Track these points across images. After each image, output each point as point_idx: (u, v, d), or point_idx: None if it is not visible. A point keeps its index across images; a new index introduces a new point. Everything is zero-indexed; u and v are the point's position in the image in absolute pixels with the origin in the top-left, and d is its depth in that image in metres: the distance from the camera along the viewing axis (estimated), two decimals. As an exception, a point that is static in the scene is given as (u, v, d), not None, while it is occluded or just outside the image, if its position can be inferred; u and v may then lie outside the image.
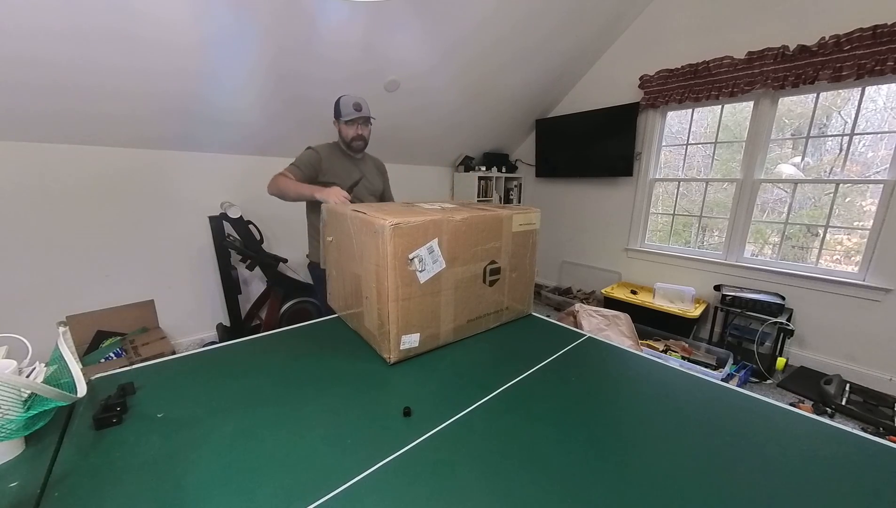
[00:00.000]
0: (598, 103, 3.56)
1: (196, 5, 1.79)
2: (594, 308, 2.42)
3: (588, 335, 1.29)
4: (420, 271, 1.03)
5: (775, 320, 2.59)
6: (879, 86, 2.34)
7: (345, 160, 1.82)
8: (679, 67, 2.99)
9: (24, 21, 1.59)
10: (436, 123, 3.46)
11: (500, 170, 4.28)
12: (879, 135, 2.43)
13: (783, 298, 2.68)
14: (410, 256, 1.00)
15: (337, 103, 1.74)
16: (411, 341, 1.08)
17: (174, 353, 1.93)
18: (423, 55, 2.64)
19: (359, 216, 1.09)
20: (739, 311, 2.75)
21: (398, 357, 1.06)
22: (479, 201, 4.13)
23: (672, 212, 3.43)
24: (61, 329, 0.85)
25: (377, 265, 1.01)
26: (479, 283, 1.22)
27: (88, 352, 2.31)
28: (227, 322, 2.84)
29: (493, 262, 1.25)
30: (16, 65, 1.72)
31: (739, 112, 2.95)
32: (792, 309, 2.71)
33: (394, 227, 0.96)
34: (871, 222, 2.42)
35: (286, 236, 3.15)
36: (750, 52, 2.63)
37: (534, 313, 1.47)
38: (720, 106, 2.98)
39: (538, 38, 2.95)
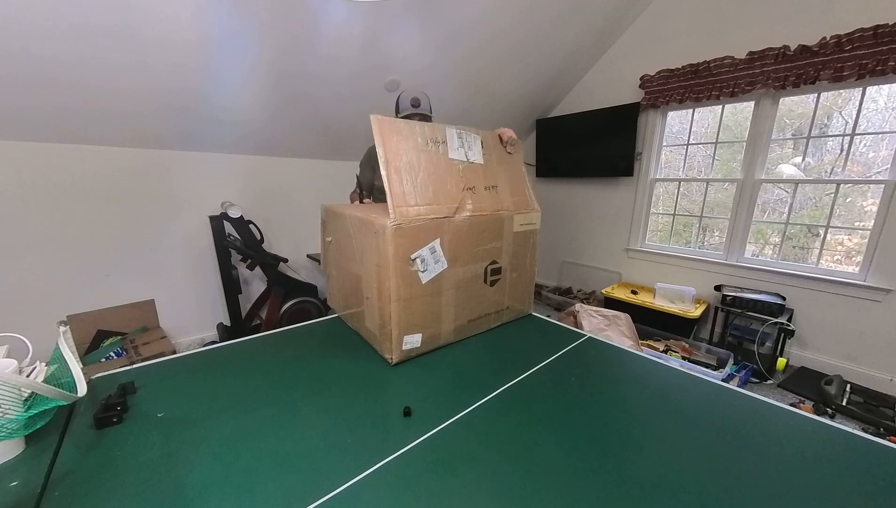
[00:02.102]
0: (598, 103, 3.56)
1: (196, 3, 1.79)
2: (594, 308, 2.42)
3: (588, 335, 1.29)
4: (422, 272, 1.03)
5: (776, 320, 2.58)
6: (881, 86, 2.34)
7: None
8: (680, 66, 2.99)
9: (24, 18, 1.58)
10: (436, 123, 3.45)
11: (500, 170, 4.27)
12: (880, 135, 2.43)
13: (784, 298, 2.68)
14: (412, 256, 1.00)
15: (397, 99, 1.71)
16: (413, 341, 1.07)
17: (174, 353, 1.93)
18: (423, 55, 2.64)
19: (358, 217, 1.09)
20: (740, 311, 2.75)
21: (400, 358, 1.06)
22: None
23: (673, 212, 3.43)
24: (62, 329, 0.86)
25: (378, 266, 1.01)
26: (480, 283, 1.22)
27: (89, 351, 2.31)
28: (227, 322, 2.84)
29: (493, 262, 1.25)
30: (16, 62, 1.72)
31: (740, 112, 2.94)
32: (792, 309, 2.71)
33: (395, 227, 0.95)
34: (872, 222, 2.42)
35: (286, 235, 3.15)
36: (751, 52, 2.63)
37: (534, 313, 1.47)
38: (721, 106, 2.98)
39: (538, 38, 2.95)
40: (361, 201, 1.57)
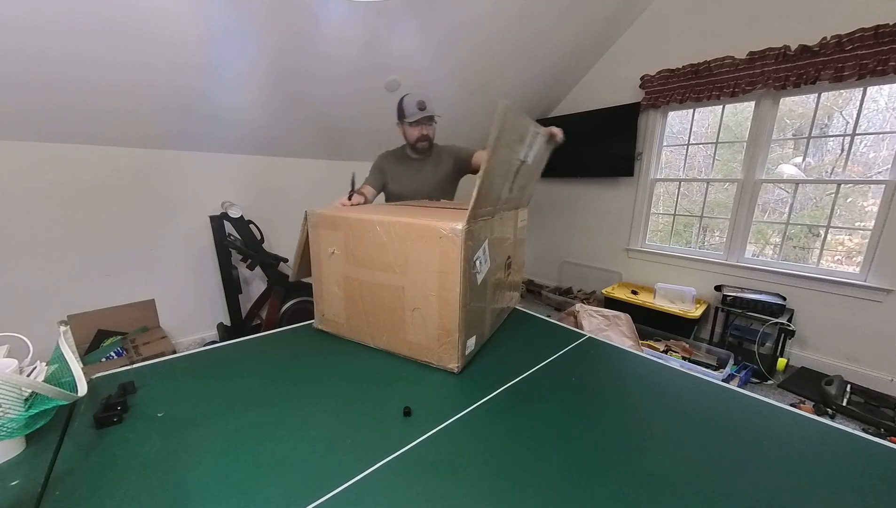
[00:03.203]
0: (598, 103, 3.56)
1: (195, 0, 1.78)
2: (595, 308, 2.42)
3: (588, 335, 1.29)
4: (479, 273, 1.02)
5: (776, 320, 2.58)
6: (881, 86, 2.33)
7: (405, 164, 1.78)
8: (680, 66, 2.99)
9: (22, 15, 1.57)
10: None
11: (500, 170, 4.27)
12: (881, 135, 2.42)
13: (784, 298, 2.68)
14: (474, 258, 0.98)
15: (400, 104, 1.67)
16: (471, 344, 1.06)
17: (175, 352, 1.93)
18: (424, 55, 2.64)
19: (405, 222, 1.01)
20: (740, 311, 2.75)
21: (464, 364, 1.03)
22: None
23: (673, 212, 3.43)
24: (62, 328, 0.86)
25: (442, 272, 0.96)
26: (502, 278, 1.25)
27: (89, 351, 2.31)
28: (227, 322, 2.84)
29: (508, 257, 1.28)
30: (15, 61, 1.71)
31: (740, 112, 2.94)
32: (793, 310, 2.70)
33: (467, 231, 0.92)
34: (873, 222, 2.42)
35: (286, 235, 3.15)
36: (751, 52, 2.63)
37: (517, 307, 1.51)
38: (721, 106, 2.98)
39: (538, 38, 2.95)
40: (349, 199, 1.53)
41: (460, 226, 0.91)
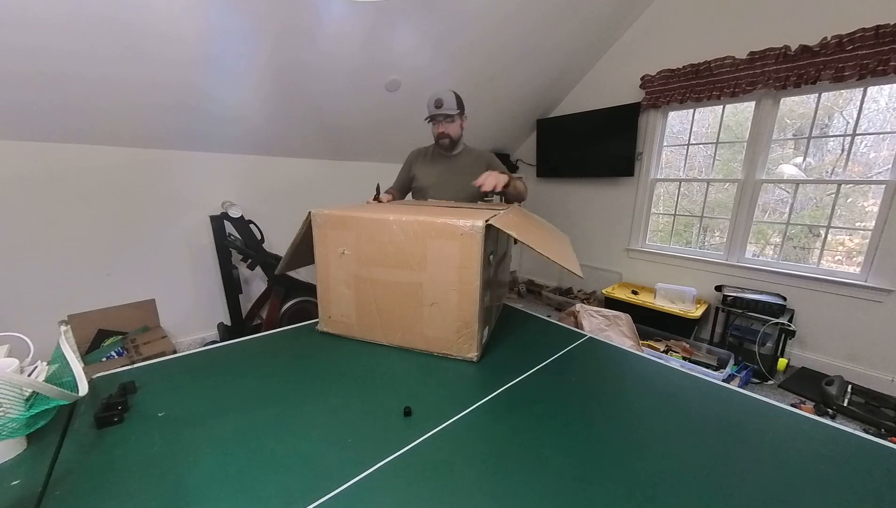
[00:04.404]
0: (599, 103, 3.56)
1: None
2: (595, 309, 2.41)
3: (589, 335, 1.29)
4: (491, 267, 1.07)
5: (776, 320, 2.58)
6: (882, 86, 2.33)
7: (434, 159, 1.80)
8: (680, 66, 2.99)
9: (20, 11, 1.57)
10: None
11: (501, 170, 4.28)
12: (882, 135, 2.42)
13: (784, 298, 2.68)
14: (489, 252, 1.04)
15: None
16: (485, 334, 1.12)
17: (175, 352, 1.93)
18: (423, 54, 2.64)
19: (423, 220, 1.03)
20: (741, 312, 2.74)
21: (481, 352, 1.09)
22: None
23: (673, 212, 3.43)
24: (63, 328, 0.86)
25: (462, 267, 1.01)
26: (495, 272, 1.30)
27: (90, 351, 2.31)
28: (227, 321, 2.84)
29: (503, 254, 1.35)
30: (15, 58, 1.70)
31: (741, 112, 2.94)
32: (793, 310, 2.70)
33: (488, 227, 0.98)
34: (873, 222, 2.42)
35: (287, 235, 3.15)
36: (752, 52, 2.62)
37: (518, 308, 1.55)
38: (721, 106, 2.98)
39: (538, 38, 2.95)
40: (377, 200, 1.59)
41: (481, 223, 0.96)
